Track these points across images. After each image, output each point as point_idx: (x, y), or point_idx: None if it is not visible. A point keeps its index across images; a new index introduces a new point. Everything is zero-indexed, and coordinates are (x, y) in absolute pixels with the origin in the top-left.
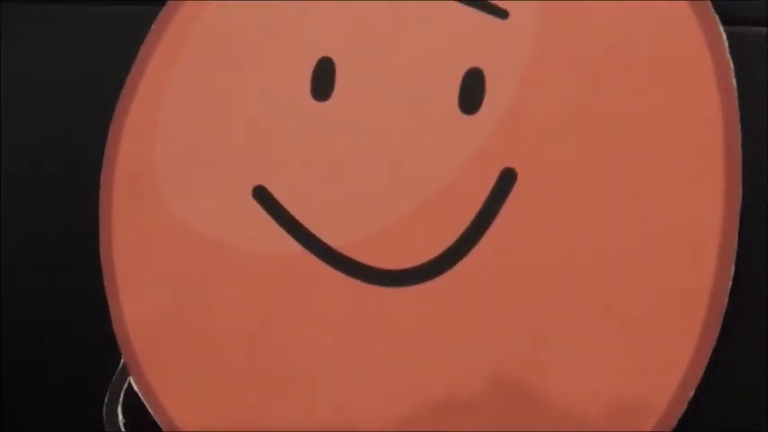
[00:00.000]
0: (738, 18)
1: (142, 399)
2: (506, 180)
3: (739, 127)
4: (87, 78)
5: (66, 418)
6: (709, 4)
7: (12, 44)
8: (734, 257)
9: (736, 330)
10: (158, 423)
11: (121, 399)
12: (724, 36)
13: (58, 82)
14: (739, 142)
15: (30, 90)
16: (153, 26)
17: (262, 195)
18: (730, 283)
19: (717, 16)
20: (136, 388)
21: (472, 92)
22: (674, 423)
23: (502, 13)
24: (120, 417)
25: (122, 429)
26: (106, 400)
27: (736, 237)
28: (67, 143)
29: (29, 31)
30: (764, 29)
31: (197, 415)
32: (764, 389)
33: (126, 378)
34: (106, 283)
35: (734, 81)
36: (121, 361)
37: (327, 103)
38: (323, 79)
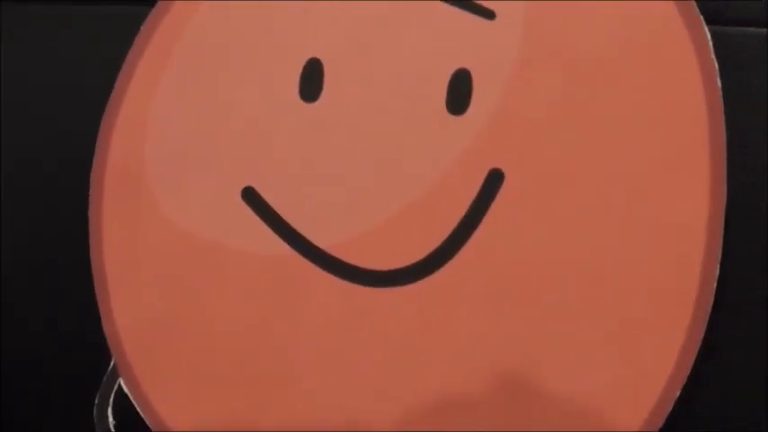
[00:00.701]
0: (738, 19)
1: (132, 400)
2: (494, 180)
3: (724, 127)
4: (87, 78)
5: (56, 419)
6: (695, 4)
7: (12, 44)
8: (719, 257)
9: (736, 330)
10: (148, 424)
11: (112, 400)
12: (709, 36)
13: (58, 82)
14: (724, 142)
15: (30, 90)
16: (143, 26)
17: (250, 196)
18: (716, 282)
19: (702, 17)
20: (126, 389)
21: (460, 93)
22: (660, 422)
23: (489, 14)
24: (111, 418)
25: (113, 430)
26: (97, 401)
27: (722, 236)
28: (67, 143)
29: (29, 31)
30: (764, 30)
31: (188, 416)
32: (765, 389)
33: (116, 379)
34: (96, 284)
35: (719, 81)
36: (112, 362)
37: (316, 104)
38: (311, 80)
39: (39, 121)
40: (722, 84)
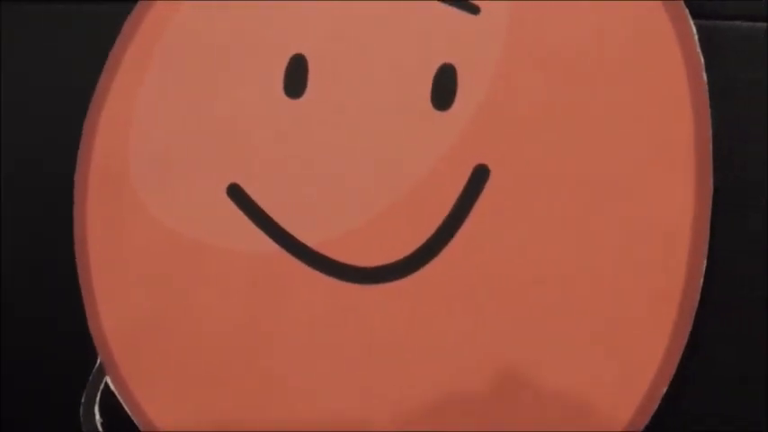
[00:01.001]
0: (738, 14)
1: (119, 399)
2: (479, 176)
3: (710, 123)
4: (88, 78)
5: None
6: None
7: (12, 44)
8: (705, 254)
9: (735, 327)
10: (136, 422)
11: (98, 398)
12: (694, 31)
13: (58, 82)
14: (710, 139)
15: (30, 90)
16: (124, 26)
17: (236, 193)
18: (702, 279)
19: (687, 11)
20: (113, 388)
21: (445, 88)
22: (645, 422)
23: (473, 9)
24: (98, 416)
25: (99, 429)
26: (83, 400)
27: (708, 233)
28: (68, 143)
29: (29, 31)
30: (764, 24)
31: (175, 414)
32: (764, 388)
33: (103, 378)
34: (82, 283)
35: (704, 77)
36: (98, 360)
37: (300, 100)
38: (296, 77)
39: (39, 121)
40: (721, 79)
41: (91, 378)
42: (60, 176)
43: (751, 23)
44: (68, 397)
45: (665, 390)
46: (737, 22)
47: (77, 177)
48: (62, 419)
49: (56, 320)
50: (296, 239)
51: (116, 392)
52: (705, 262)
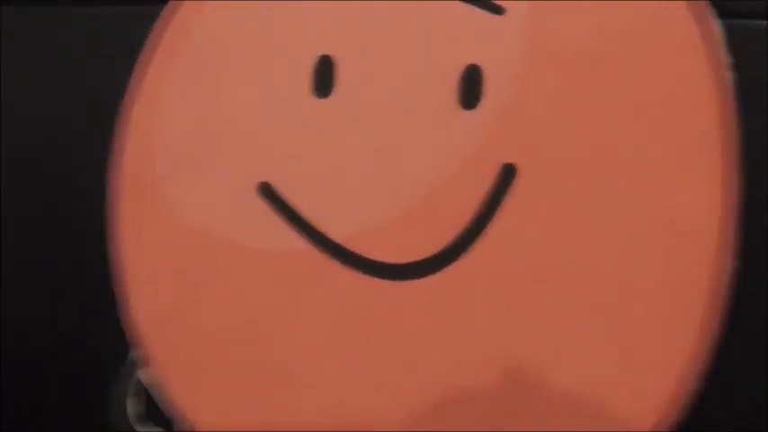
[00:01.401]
0: (738, 11)
1: (154, 392)
2: (507, 175)
3: (736, 121)
4: (87, 78)
5: (56, 416)
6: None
7: (12, 44)
8: (732, 251)
9: (736, 325)
10: (169, 417)
11: (130, 392)
12: (719, 30)
13: (58, 82)
14: (736, 137)
15: (30, 90)
16: (155, 26)
17: (267, 192)
18: (729, 277)
19: (711, 10)
20: (145, 382)
21: (471, 88)
22: (672, 421)
23: (498, 10)
24: (129, 410)
25: (131, 422)
26: (114, 394)
27: (734, 230)
28: (68, 143)
29: (29, 31)
30: (764, 22)
31: (207, 411)
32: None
33: (134, 372)
34: (115, 281)
35: (729, 77)
36: (128, 356)
37: (328, 100)
38: (323, 77)
39: (39, 121)
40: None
41: (122, 373)
42: (60, 176)
43: (751, 21)
44: (68, 398)
45: (691, 390)
46: (737, 20)
47: (111, 177)
48: (60, 419)
49: (56, 321)
50: (325, 236)
51: (149, 387)
52: (731, 261)
